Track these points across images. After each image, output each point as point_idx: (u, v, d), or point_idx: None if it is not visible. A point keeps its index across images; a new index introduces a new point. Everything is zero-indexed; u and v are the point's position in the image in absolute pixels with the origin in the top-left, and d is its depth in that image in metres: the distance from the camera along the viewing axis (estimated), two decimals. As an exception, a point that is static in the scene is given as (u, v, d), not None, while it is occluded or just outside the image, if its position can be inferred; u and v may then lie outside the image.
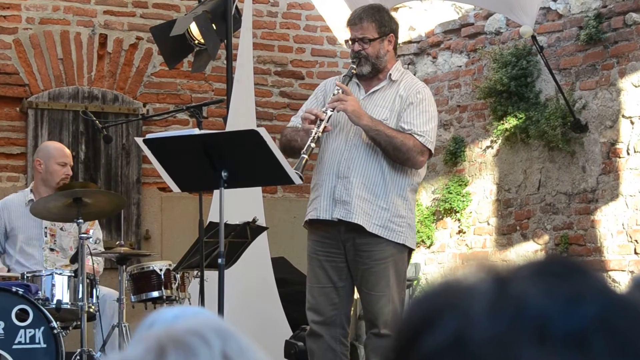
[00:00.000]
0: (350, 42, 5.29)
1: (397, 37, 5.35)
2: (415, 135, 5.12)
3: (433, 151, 5.23)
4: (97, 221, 6.63)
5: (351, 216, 5.10)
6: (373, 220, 5.12)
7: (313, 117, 5.05)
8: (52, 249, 6.45)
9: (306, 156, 4.93)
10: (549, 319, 0.87)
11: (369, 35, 5.22)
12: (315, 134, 4.99)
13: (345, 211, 5.12)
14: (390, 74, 5.26)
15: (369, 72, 5.24)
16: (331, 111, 5.07)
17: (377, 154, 5.16)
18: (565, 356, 0.86)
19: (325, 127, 5.03)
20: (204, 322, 1.13)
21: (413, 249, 5.32)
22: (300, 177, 4.85)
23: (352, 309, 5.60)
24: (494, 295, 0.89)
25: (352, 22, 5.28)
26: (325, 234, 5.21)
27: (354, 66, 5.23)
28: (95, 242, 6.44)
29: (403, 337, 0.92)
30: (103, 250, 6.46)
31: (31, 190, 6.54)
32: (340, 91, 5.12)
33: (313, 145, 4.97)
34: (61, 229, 6.48)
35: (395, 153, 5.10)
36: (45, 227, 6.44)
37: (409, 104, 5.18)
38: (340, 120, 5.20)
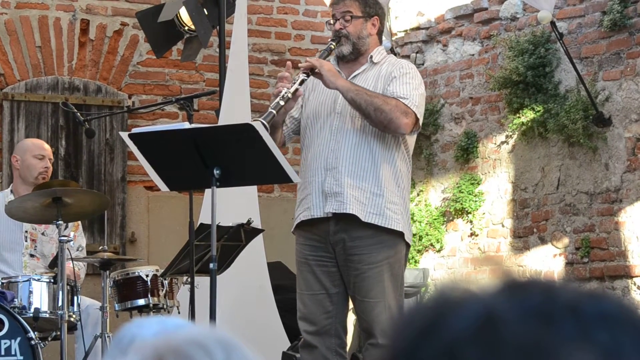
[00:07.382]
0: (332, 23, 5.35)
1: (382, 24, 5.39)
2: (399, 98, 5.15)
3: (420, 119, 5.23)
4: (81, 226, 6.64)
5: (345, 207, 5.13)
6: (368, 208, 5.14)
7: (286, 83, 5.10)
8: (32, 255, 6.45)
9: (274, 111, 4.98)
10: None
11: (352, 10, 5.28)
12: (286, 93, 5.03)
13: (337, 203, 5.14)
14: (371, 56, 5.32)
15: (349, 53, 5.29)
16: (305, 76, 5.11)
17: (365, 138, 5.19)
18: None
19: (297, 89, 5.06)
20: (206, 332, 1.12)
21: (409, 245, 5.33)
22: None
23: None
24: (479, 322, 0.91)
25: (335, 1, 5.36)
26: (313, 235, 5.23)
27: (333, 43, 5.28)
28: (78, 250, 6.44)
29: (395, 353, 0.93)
30: (85, 256, 6.47)
31: (11, 191, 6.54)
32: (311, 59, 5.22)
33: (282, 102, 5.02)
34: (43, 234, 6.48)
35: (376, 114, 5.10)
36: (26, 231, 6.44)
37: (392, 78, 5.23)
38: (321, 114, 5.27)
